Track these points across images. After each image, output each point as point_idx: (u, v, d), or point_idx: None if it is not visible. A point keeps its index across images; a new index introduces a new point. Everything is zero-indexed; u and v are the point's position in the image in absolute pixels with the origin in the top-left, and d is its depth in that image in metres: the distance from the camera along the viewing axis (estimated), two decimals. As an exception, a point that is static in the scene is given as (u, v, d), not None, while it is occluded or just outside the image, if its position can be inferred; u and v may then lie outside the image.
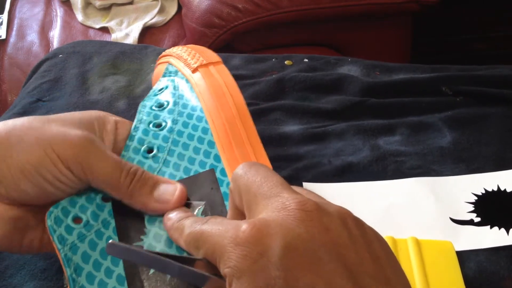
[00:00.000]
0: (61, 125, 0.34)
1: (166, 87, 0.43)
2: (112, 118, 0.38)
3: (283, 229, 0.24)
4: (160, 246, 0.33)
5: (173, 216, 0.32)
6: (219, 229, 0.26)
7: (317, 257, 0.23)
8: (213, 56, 0.43)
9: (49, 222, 0.33)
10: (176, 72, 0.43)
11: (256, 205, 0.27)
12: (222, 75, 0.41)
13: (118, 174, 0.33)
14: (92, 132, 0.35)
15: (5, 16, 1.19)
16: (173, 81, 0.43)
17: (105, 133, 0.37)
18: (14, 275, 0.40)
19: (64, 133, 0.33)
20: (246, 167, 0.29)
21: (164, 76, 0.44)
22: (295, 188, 0.29)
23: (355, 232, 0.25)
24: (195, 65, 0.42)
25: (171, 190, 0.34)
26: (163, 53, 0.47)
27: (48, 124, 0.34)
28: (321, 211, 0.25)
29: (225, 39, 1.01)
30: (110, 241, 0.28)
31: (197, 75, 0.41)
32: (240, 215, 0.30)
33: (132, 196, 0.34)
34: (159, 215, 0.34)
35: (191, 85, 0.41)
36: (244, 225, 0.25)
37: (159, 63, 0.47)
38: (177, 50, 0.45)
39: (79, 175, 0.33)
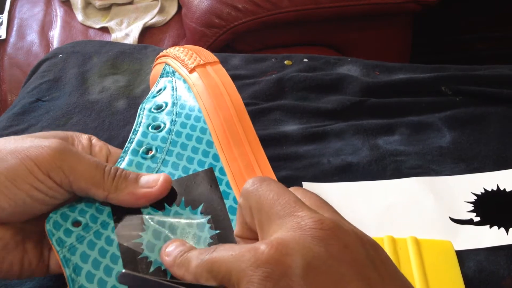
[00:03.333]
0: (35, 138, 0.34)
1: (164, 88, 0.43)
2: (85, 136, 0.38)
3: (302, 248, 0.24)
4: (159, 244, 0.33)
5: (172, 250, 0.31)
6: (232, 254, 0.25)
7: (340, 275, 0.23)
8: (210, 56, 0.43)
9: (47, 226, 0.33)
10: (173, 73, 0.44)
11: (269, 224, 0.26)
12: (220, 75, 0.41)
13: (100, 172, 0.33)
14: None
15: (5, 16, 1.19)
16: (170, 81, 0.43)
17: (81, 147, 0.37)
18: (13, 274, 0.40)
19: (39, 142, 0.33)
20: (256, 183, 0.28)
21: (161, 76, 0.45)
22: (309, 197, 0.28)
23: (371, 252, 0.25)
24: (192, 65, 0.42)
25: (155, 176, 0.35)
26: (160, 54, 0.47)
27: (22, 139, 0.34)
28: (338, 229, 0.25)
29: (225, 39, 1.01)
30: (123, 271, 0.29)
31: (195, 75, 0.42)
32: (249, 231, 0.29)
33: (117, 189, 0.34)
34: (157, 211, 0.35)
35: (188, 85, 0.42)
36: (262, 246, 0.24)
37: (157, 64, 0.47)
38: (174, 50, 0.45)
39: (60, 179, 0.32)
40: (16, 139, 0.34)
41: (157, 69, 0.47)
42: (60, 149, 0.33)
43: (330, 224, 0.25)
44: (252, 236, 0.29)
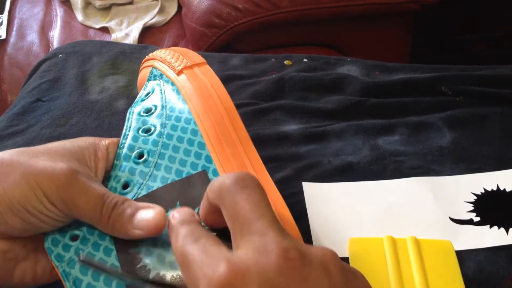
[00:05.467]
0: (48, 159, 0.34)
1: (153, 91, 0.42)
2: (102, 143, 0.38)
3: (261, 277, 0.24)
4: (157, 250, 0.33)
5: (177, 216, 0.31)
6: (203, 259, 0.26)
7: None
8: (197, 58, 0.43)
9: (46, 244, 0.33)
10: (161, 76, 0.43)
11: (239, 234, 0.26)
12: (207, 76, 0.41)
13: (100, 208, 0.33)
14: (83, 162, 0.35)
15: (5, 16, 1.19)
16: (158, 84, 0.43)
17: (96, 160, 0.37)
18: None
19: (49, 168, 0.33)
20: (240, 183, 0.28)
21: (149, 80, 0.44)
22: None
23: (336, 277, 0.25)
24: (180, 68, 0.42)
25: (148, 215, 0.33)
26: (147, 57, 0.47)
27: (35, 158, 0.33)
28: (302, 259, 0.25)
29: (225, 39, 1.01)
30: (83, 253, 0.30)
31: (182, 77, 0.41)
32: (214, 215, 0.30)
33: (113, 228, 0.33)
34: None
35: (177, 87, 0.41)
36: (222, 267, 0.24)
37: (143, 67, 0.47)
38: (160, 53, 0.45)
39: (64, 210, 0.33)
40: (29, 156, 0.34)
41: (144, 73, 0.46)
42: (67, 181, 0.32)
43: (295, 253, 0.25)
44: (218, 220, 0.30)
